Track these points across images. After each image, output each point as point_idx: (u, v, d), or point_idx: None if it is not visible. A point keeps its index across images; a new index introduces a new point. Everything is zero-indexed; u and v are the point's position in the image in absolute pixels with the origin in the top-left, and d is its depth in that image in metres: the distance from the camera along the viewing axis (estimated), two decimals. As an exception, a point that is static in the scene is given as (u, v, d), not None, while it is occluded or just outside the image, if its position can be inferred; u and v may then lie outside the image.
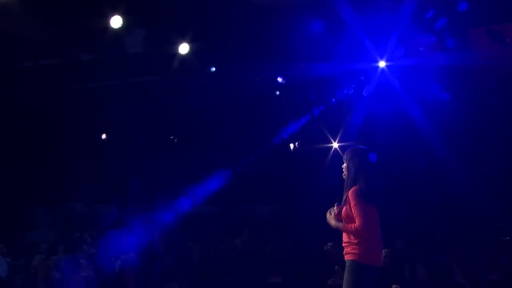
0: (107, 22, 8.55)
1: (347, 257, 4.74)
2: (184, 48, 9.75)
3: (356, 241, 4.67)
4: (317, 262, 9.16)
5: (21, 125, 11.36)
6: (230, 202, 13.78)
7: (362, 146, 5.03)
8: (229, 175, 9.36)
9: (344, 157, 4.99)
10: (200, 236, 11.05)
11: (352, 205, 4.67)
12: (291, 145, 13.20)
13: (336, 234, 5.13)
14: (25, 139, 11.62)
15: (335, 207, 4.92)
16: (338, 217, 4.88)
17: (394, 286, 8.19)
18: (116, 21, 8.56)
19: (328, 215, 4.92)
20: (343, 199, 4.83)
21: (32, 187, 12.06)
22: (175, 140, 13.54)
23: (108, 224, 6.51)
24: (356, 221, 4.64)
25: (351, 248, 4.71)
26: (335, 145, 12.64)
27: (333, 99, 11.01)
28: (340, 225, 4.79)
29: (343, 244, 4.82)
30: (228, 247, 9.95)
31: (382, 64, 9.61)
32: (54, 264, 8.42)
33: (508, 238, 6.12)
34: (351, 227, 4.67)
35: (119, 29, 8.72)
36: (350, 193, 4.71)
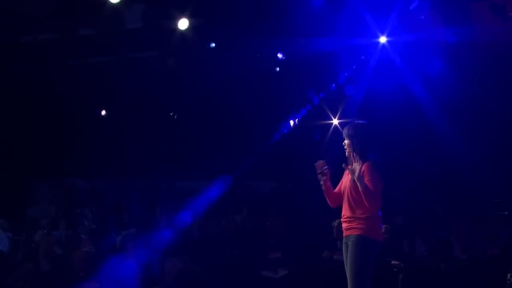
0: (106, -3, 8.49)
1: (351, 232, 4.67)
2: (183, 24, 9.67)
3: (363, 216, 4.61)
4: (317, 238, 9.22)
5: (21, 101, 11.32)
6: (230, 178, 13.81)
7: (362, 121, 4.95)
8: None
9: (345, 133, 4.87)
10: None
11: (367, 179, 4.57)
12: (291, 122, 13.17)
13: (337, 211, 5.10)
14: (25, 114, 11.58)
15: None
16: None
17: (393, 261, 8.27)
18: (115, -5, 8.50)
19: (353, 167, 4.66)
20: (347, 174, 4.77)
21: (32, 163, 12.06)
22: (175, 117, 13.51)
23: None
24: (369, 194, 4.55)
25: (356, 223, 4.65)
26: (335, 121, 12.62)
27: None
28: (362, 181, 4.55)
29: (345, 219, 4.74)
30: (228, 223, 9.99)
31: (383, 39, 9.56)
32: (55, 239, 8.48)
33: (506, 212, 6.15)
34: (366, 187, 4.50)
35: (118, 4, 8.65)
36: (367, 167, 4.60)
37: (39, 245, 7.94)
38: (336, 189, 4.90)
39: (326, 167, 4.83)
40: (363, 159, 4.67)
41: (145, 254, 6.95)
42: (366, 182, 4.56)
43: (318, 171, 4.84)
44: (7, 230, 9.29)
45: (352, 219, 4.69)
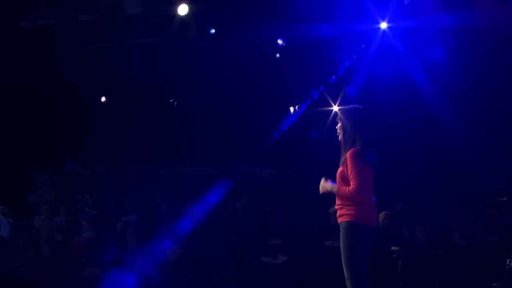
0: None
1: (341, 219, 4.67)
2: (183, 9, 9.62)
3: (350, 202, 4.61)
4: (317, 224, 9.23)
5: (20, 87, 11.29)
6: (229, 165, 13.82)
7: (357, 105, 4.92)
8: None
9: (338, 117, 4.87)
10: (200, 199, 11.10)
11: (349, 167, 4.58)
12: (291, 108, 13.15)
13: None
14: (25, 101, 11.55)
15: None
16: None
17: (393, 247, 8.30)
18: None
19: (321, 187, 4.83)
20: (341, 160, 4.74)
21: (33, 149, 12.06)
22: (175, 103, 13.49)
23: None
24: (352, 184, 4.56)
25: (345, 209, 4.65)
26: (335, 108, 12.60)
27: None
28: (334, 188, 4.70)
29: (336, 207, 4.75)
30: (228, 209, 10.00)
31: (383, 25, 9.51)
32: (56, 225, 8.50)
33: (505, 198, 6.15)
34: (345, 190, 4.59)
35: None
36: (349, 155, 4.62)
37: (40, 231, 7.96)
38: None
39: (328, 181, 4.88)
40: (353, 143, 4.67)
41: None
42: (349, 169, 4.57)
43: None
44: (7, 216, 9.31)
45: (341, 206, 4.70)
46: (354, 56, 10.42)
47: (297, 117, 12.85)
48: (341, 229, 4.68)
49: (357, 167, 4.56)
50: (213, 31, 10.50)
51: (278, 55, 11.50)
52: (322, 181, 4.85)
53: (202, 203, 8.31)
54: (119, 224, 9.22)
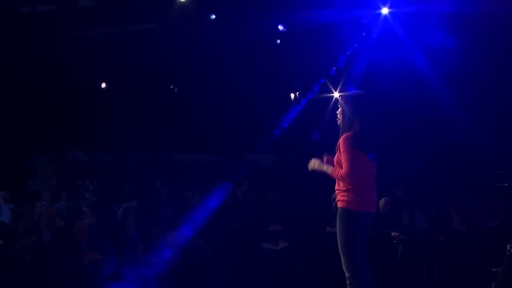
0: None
1: (338, 205, 4.73)
2: (183, -6, 9.57)
3: (344, 188, 4.65)
4: (317, 210, 9.26)
5: (21, 73, 11.26)
6: (230, 152, 13.84)
7: (357, 91, 4.93)
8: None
9: (339, 102, 4.89)
10: (200, 185, 11.13)
11: (342, 150, 4.62)
12: (292, 95, 13.13)
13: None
14: (25, 87, 11.53)
15: (324, 156, 4.89)
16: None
17: (393, 233, 8.32)
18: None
19: (312, 163, 4.88)
20: (337, 145, 4.77)
21: (33, 136, 12.06)
22: (175, 90, 13.46)
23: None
24: (343, 167, 4.60)
25: (341, 195, 4.70)
26: (336, 94, 12.56)
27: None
28: (329, 169, 4.75)
29: (336, 192, 4.79)
30: (229, 196, 10.02)
31: (385, 11, 9.46)
32: (57, 211, 8.52)
33: (507, 184, 6.14)
34: (338, 172, 4.63)
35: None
36: (341, 140, 4.66)
37: (41, 217, 7.99)
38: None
39: (325, 157, 4.88)
40: (350, 128, 4.69)
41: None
42: (341, 153, 4.61)
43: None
44: (8, 202, 9.33)
45: (337, 191, 4.75)
46: (355, 45, 10.37)
47: (297, 104, 12.83)
48: (337, 215, 4.72)
49: (348, 151, 4.60)
50: (213, 16, 10.45)
51: (278, 41, 11.45)
52: (317, 160, 4.88)
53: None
54: (120, 210, 9.25)
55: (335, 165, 4.74)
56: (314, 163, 4.88)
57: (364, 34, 10.15)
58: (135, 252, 7.21)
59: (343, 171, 4.60)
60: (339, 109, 4.85)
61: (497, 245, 7.49)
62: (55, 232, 7.41)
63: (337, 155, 4.71)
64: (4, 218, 8.92)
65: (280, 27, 10.66)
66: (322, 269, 7.57)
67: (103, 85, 12.92)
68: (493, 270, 7.42)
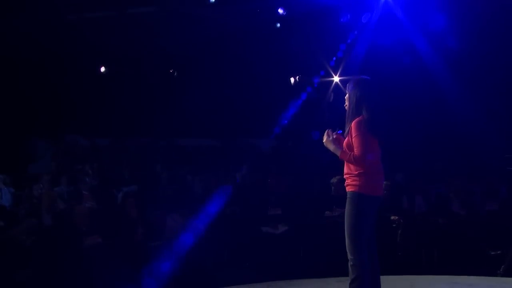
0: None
1: (348, 189, 4.75)
2: (183, -23, 9.50)
3: (356, 172, 4.67)
4: (317, 194, 9.27)
5: (20, 57, 11.20)
6: (230, 136, 13.82)
7: (365, 76, 4.95)
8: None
9: (347, 87, 4.91)
10: (200, 169, 11.13)
11: (353, 136, 4.64)
12: (292, 79, 13.09)
13: (338, 168, 5.13)
14: (24, 70, 11.48)
15: (334, 133, 4.89)
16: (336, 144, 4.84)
17: (393, 217, 8.34)
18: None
19: (325, 137, 4.86)
20: (346, 130, 4.79)
21: (33, 119, 12.02)
22: (175, 74, 13.41)
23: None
24: (356, 151, 4.61)
25: (351, 179, 4.71)
26: (336, 79, 12.53)
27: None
28: (338, 152, 4.74)
29: (344, 176, 4.81)
30: (229, 180, 10.02)
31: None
32: (57, 194, 8.52)
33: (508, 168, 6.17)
34: (349, 155, 4.65)
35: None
36: (353, 124, 4.67)
37: (42, 200, 7.99)
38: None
39: (335, 133, 4.86)
40: (358, 113, 4.70)
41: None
42: (353, 138, 4.60)
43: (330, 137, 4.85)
44: (9, 185, 9.32)
45: (348, 175, 4.76)
46: (356, 32, 10.32)
47: (297, 89, 12.80)
48: (347, 198, 4.75)
49: (361, 135, 4.61)
50: (213, 0, 10.39)
51: (278, 24, 11.39)
52: (325, 137, 4.82)
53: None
54: (120, 194, 9.25)
55: (345, 149, 4.74)
56: (329, 143, 4.81)
57: (364, 16, 10.10)
58: (135, 235, 7.22)
59: (356, 155, 4.61)
60: (347, 95, 4.86)
61: (496, 229, 7.53)
62: (55, 216, 7.41)
63: (348, 138, 4.72)
64: (4, 201, 8.91)
65: (280, 11, 10.60)
66: (321, 253, 7.60)
67: (103, 69, 12.85)
68: (492, 253, 7.47)
